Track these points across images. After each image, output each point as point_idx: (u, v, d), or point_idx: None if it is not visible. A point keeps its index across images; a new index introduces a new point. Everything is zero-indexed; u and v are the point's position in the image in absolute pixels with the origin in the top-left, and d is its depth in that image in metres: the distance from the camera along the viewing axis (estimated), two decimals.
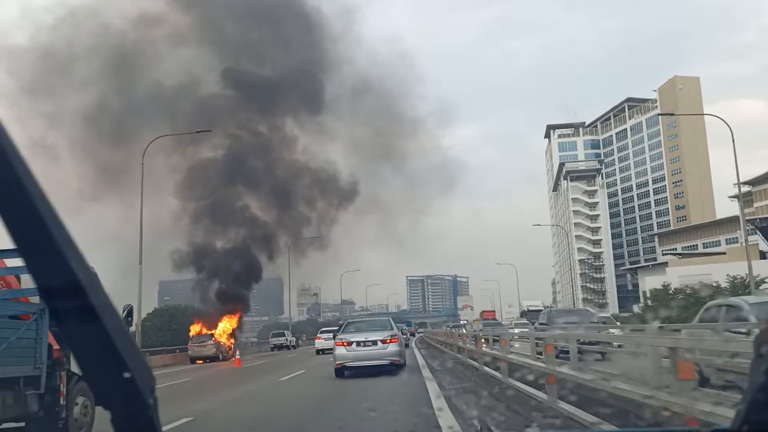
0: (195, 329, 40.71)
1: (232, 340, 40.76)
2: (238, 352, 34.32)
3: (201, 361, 33.75)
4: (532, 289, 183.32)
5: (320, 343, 30.50)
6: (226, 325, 42.47)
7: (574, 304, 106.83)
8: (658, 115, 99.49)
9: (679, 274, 51.28)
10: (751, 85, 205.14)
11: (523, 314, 46.27)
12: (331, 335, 25.80)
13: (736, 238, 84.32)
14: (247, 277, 46.99)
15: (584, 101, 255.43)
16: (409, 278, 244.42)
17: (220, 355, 34.51)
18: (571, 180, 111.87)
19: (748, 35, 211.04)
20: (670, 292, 38.78)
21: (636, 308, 57.46)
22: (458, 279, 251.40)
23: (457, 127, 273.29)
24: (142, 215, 30.84)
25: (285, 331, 52.56)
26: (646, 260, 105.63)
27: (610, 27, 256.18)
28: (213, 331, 39.05)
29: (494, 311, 68.50)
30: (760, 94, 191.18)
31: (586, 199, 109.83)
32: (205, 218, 45.57)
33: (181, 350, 36.85)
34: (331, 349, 17.27)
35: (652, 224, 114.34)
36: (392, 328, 16.66)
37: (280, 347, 48.17)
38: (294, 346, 50.05)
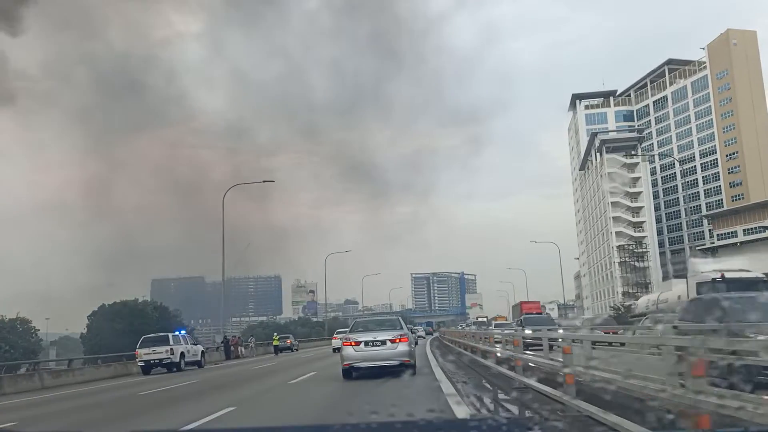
0: None
1: None
2: None
3: None
4: (546, 287, 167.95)
5: (336, 342, 33.07)
6: None
7: (613, 298, 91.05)
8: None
9: None
10: None
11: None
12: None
13: None
14: None
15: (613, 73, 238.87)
16: (414, 276, 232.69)
17: None
18: (608, 152, 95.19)
19: None
20: None
21: None
22: (465, 276, 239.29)
23: (458, 124, 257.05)
24: None
25: (172, 335, 28.44)
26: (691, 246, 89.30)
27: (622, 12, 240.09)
28: None
29: (539, 302, 51.95)
30: None
31: (624, 173, 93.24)
32: None
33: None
34: None
35: (699, 205, 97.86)
36: (401, 328, 16.31)
37: (161, 366, 26.88)
38: (200, 363, 29.42)
